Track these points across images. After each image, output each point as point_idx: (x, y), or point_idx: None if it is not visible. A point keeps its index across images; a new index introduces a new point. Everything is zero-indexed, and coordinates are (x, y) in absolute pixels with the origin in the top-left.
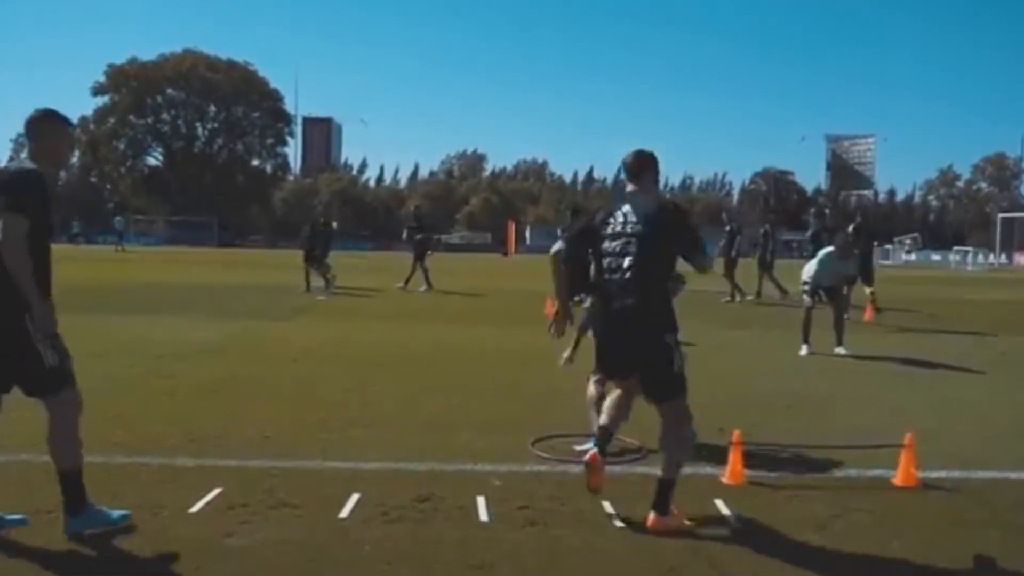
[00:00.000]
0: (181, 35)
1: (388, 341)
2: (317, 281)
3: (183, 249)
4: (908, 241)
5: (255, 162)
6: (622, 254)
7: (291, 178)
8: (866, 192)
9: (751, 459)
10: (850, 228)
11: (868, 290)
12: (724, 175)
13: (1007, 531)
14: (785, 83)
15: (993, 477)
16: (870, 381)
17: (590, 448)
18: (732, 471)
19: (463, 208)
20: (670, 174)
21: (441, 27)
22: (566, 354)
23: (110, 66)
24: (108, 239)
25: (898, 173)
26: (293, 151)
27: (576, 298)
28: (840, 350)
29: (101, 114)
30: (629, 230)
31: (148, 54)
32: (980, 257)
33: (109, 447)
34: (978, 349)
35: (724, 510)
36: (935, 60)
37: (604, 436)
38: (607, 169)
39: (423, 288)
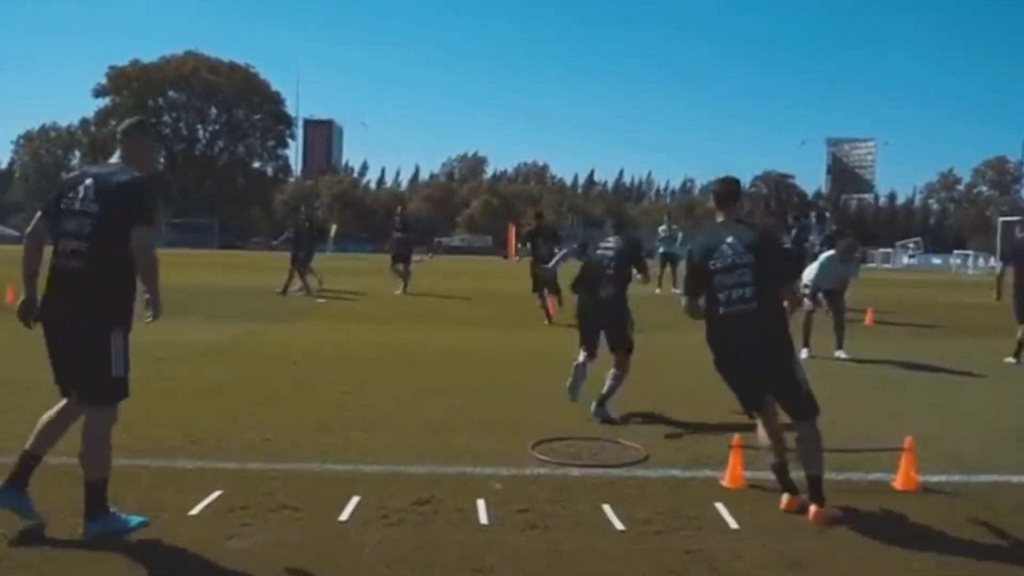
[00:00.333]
0: (183, 37)
1: (388, 343)
2: (301, 283)
3: (184, 251)
4: (911, 245)
5: (256, 164)
6: (740, 285)
7: (292, 180)
8: (866, 196)
9: (751, 463)
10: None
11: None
12: None
13: (1007, 535)
14: (786, 87)
15: (993, 481)
16: (870, 385)
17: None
18: (732, 474)
19: (464, 211)
20: (671, 177)
21: (442, 30)
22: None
23: (112, 68)
24: None
25: (898, 177)
26: (294, 153)
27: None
28: (840, 354)
29: (102, 116)
30: (742, 261)
31: (150, 56)
32: (981, 261)
33: None
34: (979, 353)
35: (724, 513)
36: (936, 64)
37: (779, 469)
38: (607, 172)
39: (399, 290)
